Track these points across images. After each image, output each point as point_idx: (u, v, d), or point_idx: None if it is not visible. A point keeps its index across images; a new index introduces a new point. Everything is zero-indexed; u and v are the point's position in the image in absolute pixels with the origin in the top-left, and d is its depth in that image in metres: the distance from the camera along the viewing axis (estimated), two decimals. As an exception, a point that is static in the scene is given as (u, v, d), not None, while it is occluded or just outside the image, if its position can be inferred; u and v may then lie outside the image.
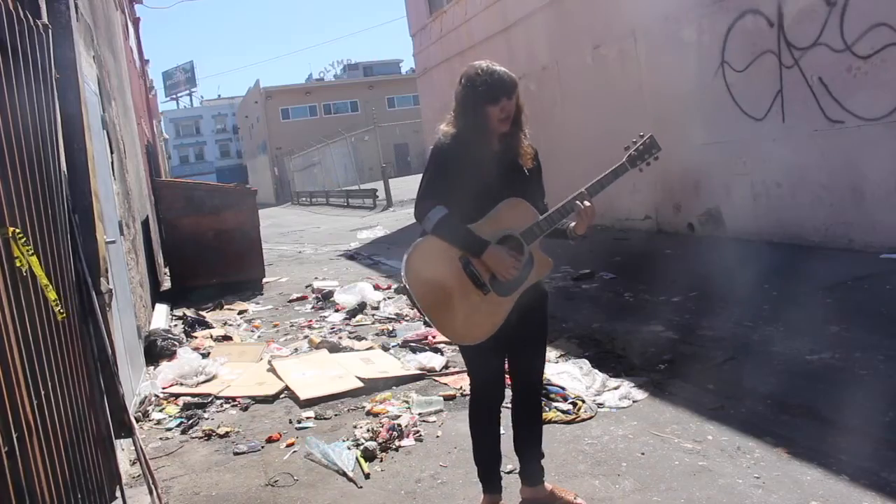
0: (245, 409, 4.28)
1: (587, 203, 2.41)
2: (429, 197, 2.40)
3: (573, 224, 2.46)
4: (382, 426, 3.62)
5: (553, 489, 2.71)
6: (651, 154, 2.50)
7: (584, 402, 3.66)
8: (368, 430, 3.62)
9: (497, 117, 2.38)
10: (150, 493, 3.02)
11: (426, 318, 2.45)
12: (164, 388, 4.64)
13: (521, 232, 2.42)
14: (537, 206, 2.49)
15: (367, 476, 3.18)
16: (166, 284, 9.12)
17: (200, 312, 7.28)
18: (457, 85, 2.46)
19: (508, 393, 2.70)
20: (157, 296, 8.05)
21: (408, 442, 3.49)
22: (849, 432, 3.03)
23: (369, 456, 3.35)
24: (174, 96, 62.58)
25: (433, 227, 2.37)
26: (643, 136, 2.53)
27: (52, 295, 2.18)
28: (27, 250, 1.98)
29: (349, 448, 3.41)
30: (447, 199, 2.37)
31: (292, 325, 6.52)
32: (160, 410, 4.31)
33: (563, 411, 3.57)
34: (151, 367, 5.11)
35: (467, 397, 4.01)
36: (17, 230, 1.96)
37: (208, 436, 3.89)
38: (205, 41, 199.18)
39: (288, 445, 3.63)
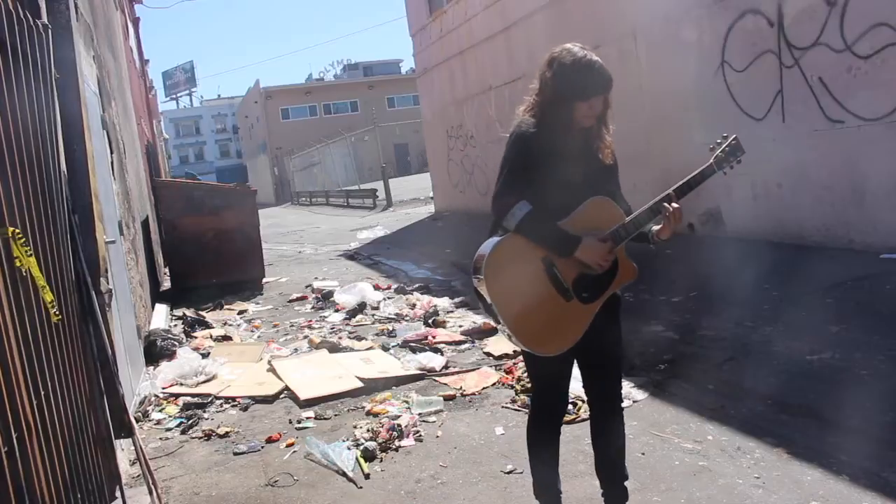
0: (245, 409, 4.28)
1: (675, 205, 2.24)
2: (510, 191, 2.19)
3: (656, 228, 2.31)
4: (382, 426, 3.61)
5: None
6: (736, 157, 2.36)
7: (584, 401, 3.65)
8: (368, 430, 3.62)
9: (584, 114, 2.21)
10: (150, 493, 3.02)
11: (503, 326, 2.22)
12: (163, 388, 4.65)
13: (608, 234, 2.25)
14: (620, 205, 2.33)
15: (367, 476, 3.18)
16: (166, 284, 9.12)
17: (200, 312, 7.28)
18: (545, 67, 2.25)
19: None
20: (157, 296, 8.05)
21: (408, 442, 3.49)
22: (849, 432, 3.03)
23: (369, 456, 3.34)
24: (174, 96, 62.61)
25: (517, 224, 2.16)
26: (727, 136, 2.38)
27: (48, 296, 2.17)
28: (26, 251, 1.98)
29: (349, 448, 3.41)
30: (528, 193, 2.18)
31: (292, 325, 6.52)
32: (160, 410, 4.31)
33: (563, 411, 3.56)
34: (151, 367, 5.10)
35: (467, 397, 4.06)
36: (17, 230, 1.96)
37: (208, 436, 3.89)
38: (205, 41, 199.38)
39: (288, 445, 3.63)
